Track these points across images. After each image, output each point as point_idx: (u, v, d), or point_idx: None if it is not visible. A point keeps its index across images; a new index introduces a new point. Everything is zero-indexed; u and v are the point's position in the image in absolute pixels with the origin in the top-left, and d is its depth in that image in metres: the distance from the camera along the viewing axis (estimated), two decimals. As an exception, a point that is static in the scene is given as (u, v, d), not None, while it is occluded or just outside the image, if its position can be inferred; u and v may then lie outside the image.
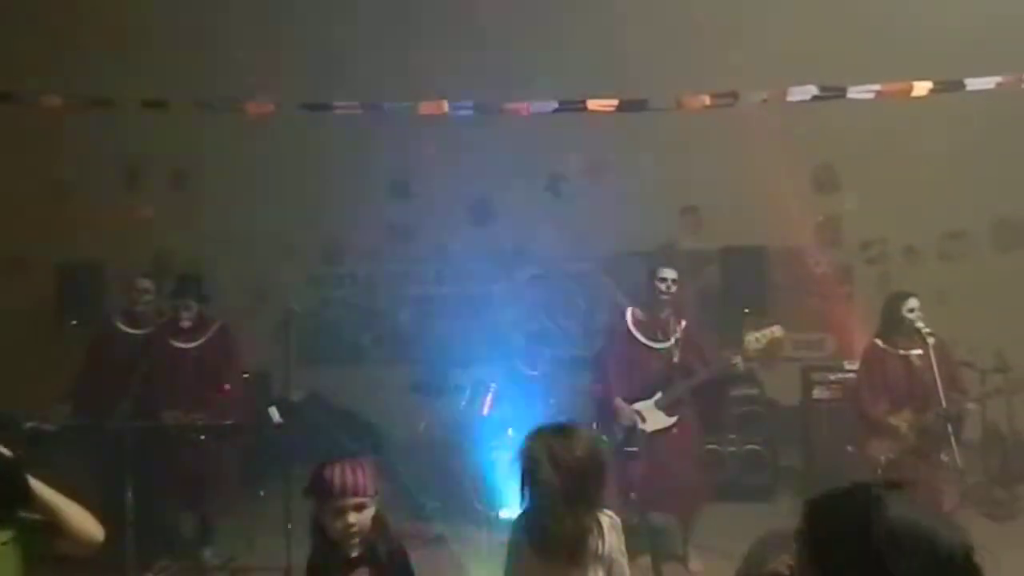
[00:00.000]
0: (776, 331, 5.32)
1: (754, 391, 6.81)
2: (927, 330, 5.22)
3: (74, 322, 6.89)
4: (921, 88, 5.38)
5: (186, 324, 5.46)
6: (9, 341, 7.29)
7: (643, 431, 5.25)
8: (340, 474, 2.59)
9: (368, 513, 2.62)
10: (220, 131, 6.89)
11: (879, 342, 5.50)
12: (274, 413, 5.77)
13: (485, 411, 6.36)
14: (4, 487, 2.45)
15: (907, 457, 5.25)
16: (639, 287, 5.66)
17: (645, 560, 5.32)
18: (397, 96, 5.84)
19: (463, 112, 5.68)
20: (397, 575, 2.75)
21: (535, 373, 6.56)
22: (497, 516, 5.75)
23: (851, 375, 6.18)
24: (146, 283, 5.68)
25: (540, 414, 5.77)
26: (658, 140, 6.90)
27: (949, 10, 6.86)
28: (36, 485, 2.52)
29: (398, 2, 7.55)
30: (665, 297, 5.39)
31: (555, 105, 5.64)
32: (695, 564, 5.33)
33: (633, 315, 5.53)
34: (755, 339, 5.23)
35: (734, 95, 5.53)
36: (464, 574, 5.35)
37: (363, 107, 5.81)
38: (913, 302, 5.34)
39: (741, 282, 7.15)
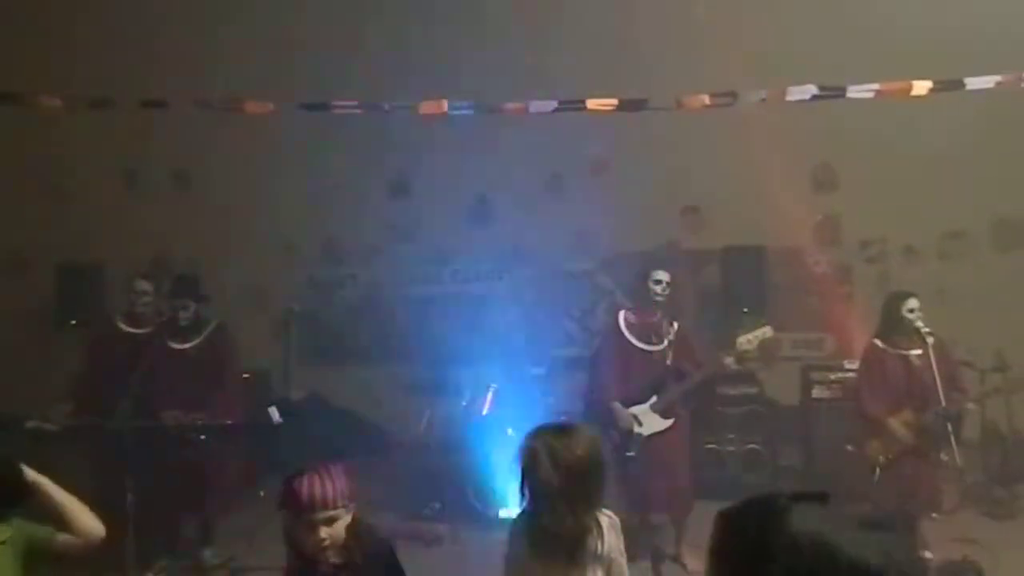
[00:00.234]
0: (767, 332, 5.34)
1: (753, 390, 6.82)
2: (926, 330, 5.22)
3: (74, 322, 6.89)
4: (921, 87, 5.37)
5: (184, 324, 5.46)
6: (10, 341, 7.30)
7: (640, 435, 5.25)
8: (309, 487, 2.47)
9: (341, 524, 2.51)
10: (220, 131, 6.89)
11: (878, 342, 5.50)
12: (274, 413, 5.77)
13: (485, 411, 6.37)
14: (2, 485, 2.45)
15: (907, 457, 5.25)
16: (634, 289, 5.66)
17: (645, 560, 5.33)
18: (397, 96, 5.84)
19: (463, 112, 5.68)
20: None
21: (535, 373, 6.56)
22: (497, 516, 5.76)
23: (851, 375, 6.19)
24: (144, 284, 5.68)
25: (540, 414, 5.77)
26: (658, 140, 6.90)
27: (949, 9, 6.86)
28: (39, 479, 2.52)
29: (398, 2, 7.55)
30: (659, 299, 5.39)
31: (555, 105, 5.64)
32: (692, 563, 5.33)
33: (626, 318, 5.54)
34: (746, 340, 5.26)
35: (733, 95, 5.53)
36: (464, 574, 5.35)
37: (363, 107, 5.81)
38: (913, 302, 5.34)
39: (741, 282, 7.15)
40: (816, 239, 7.61)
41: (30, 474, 2.53)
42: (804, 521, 1.17)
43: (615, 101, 5.59)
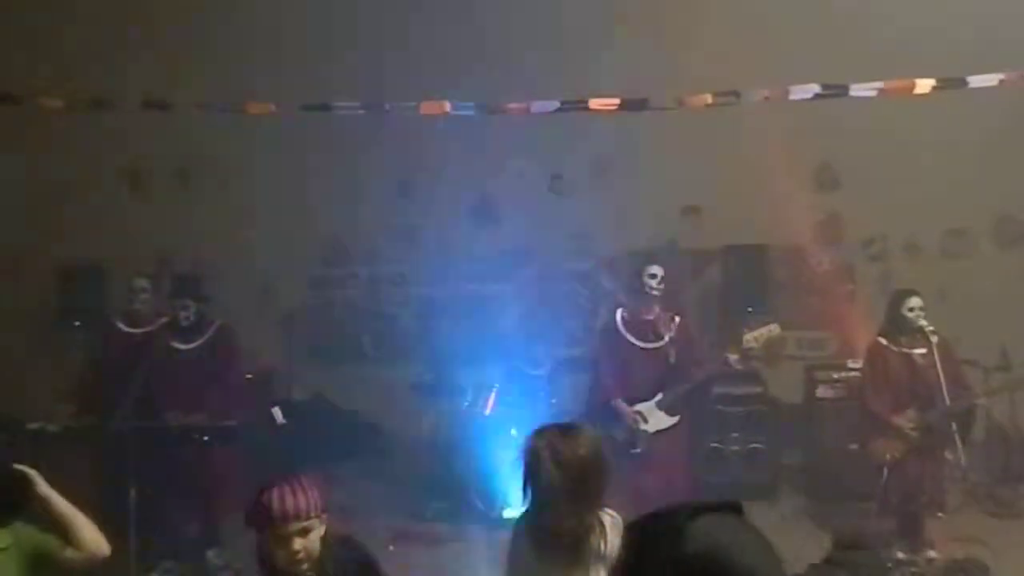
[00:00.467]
0: (773, 329, 5.32)
1: (757, 390, 6.80)
2: (930, 328, 5.21)
3: (76, 323, 6.89)
4: (924, 86, 5.36)
5: (185, 324, 5.45)
6: (11, 342, 7.30)
7: (645, 432, 5.24)
8: (279, 499, 2.37)
9: (315, 535, 2.42)
10: (221, 131, 6.89)
11: (882, 340, 5.49)
12: (277, 413, 5.78)
13: (488, 411, 6.36)
14: (6, 497, 2.45)
15: (911, 456, 5.24)
16: (630, 286, 5.66)
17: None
18: (398, 96, 5.84)
19: (464, 112, 5.67)
20: None
21: (538, 373, 6.55)
22: (500, 516, 5.75)
23: (854, 373, 6.18)
24: (142, 282, 5.68)
25: (543, 414, 5.76)
26: (660, 139, 6.89)
27: (951, 8, 6.84)
28: (49, 493, 2.52)
29: (399, 2, 7.54)
30: (655, 294, 5.36)
31: (557, 104, 5.63)
32: None
33: (623, 316, 5.53)
34: (752, 338, 5.24)
35: (735, 94, 5.52)
36: (467, 574, 5.35)
37: (365, 107, 5.81)
38: (913, 301, 5.33)
39: (743, 281, 7.14)
40: (818, 238, 7.59)
41: (42, 487, 2.52)
42: (704, 533, 1.14)
43: (617, 101, 5.58)
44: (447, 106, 5.57)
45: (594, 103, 5.56)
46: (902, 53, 6.17)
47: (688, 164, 7.17)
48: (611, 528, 2.64)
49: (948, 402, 5.06)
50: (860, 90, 5.42)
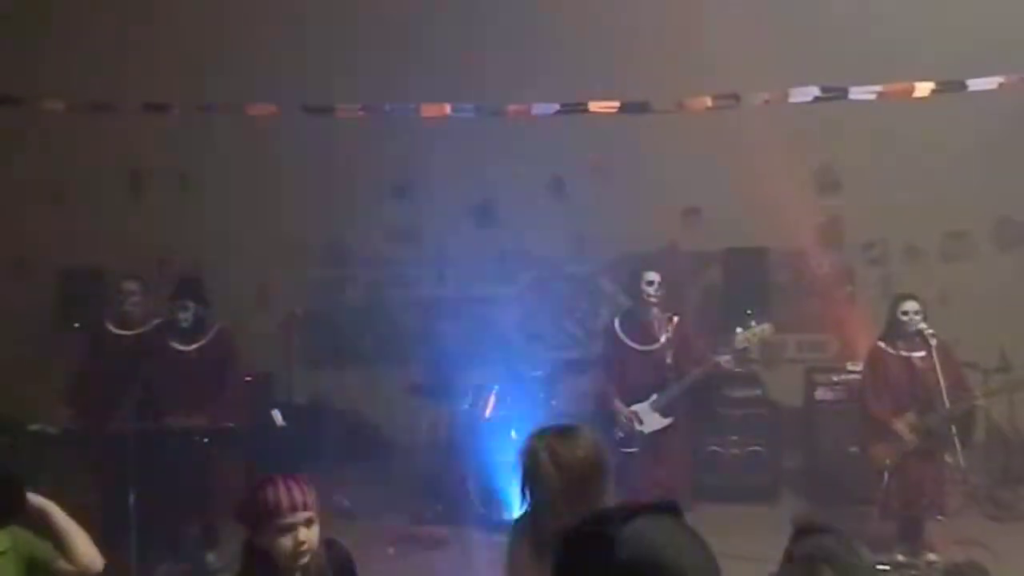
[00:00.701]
0: (766, 329, 5.34)
1: (756, 392, 6.80)
2: (930, 332, 5.21)
3: (77, 325, 6.89)
4: (923, 89, 5.37)
5: (185, 326, 5.45)
6: (13, 344, 7.30)
7: (640, 432, 5.28)
8: (286, 491, 2.41)
9: (316, 528, 2.45)
10: (222, 134, 6.89)
11: (882, 344, 5.50)
12: (277, 416, 5.78)
13: (487, 413, 6.36)
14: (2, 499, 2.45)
15: (911, 459, 5.24)
16: (628, 290, 5.69)
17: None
18: (399, 98, 5.85)
19: (465, 114, 5.68)
20: None
21: (537, 375, 6.56)
22: (499, 518, 5.75)
23: (854, 376, 6.18)
24: (132, 284, 5.67)
25: (542, 416, 5.77)
26: (660, 142, 6.90)
27: (951, 11, 6.85)
28: (45, 504, 2.52)
29: (399, 5, 7.55)
30: (652, 299, 5.42)
31: (557, 107, 5.65)
32: None
33: (621, 320, 5.60)
34: (745, 338, 5.27)
35: (735, 97, 5.53)
36: (467, 576, 5.35)
37: (365, 109, 5.82)
38: (908, 305, 5.34)
39: (743, 283, 7.14)
40: (818, 241, 7.60)
41: (37, 499, 2.53)
42: (638, 538, 1.13)
43: (617, 104, 5.59)
44: (447, 108, 5.58)
45: (594, 106, 5.57)
46: (901, 56, 6.18)
47: (688, 167, 7.18)
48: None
49: (948, 405, 5.06)
50: (860, 93, 5.43)
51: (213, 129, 6.73)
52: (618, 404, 5.35)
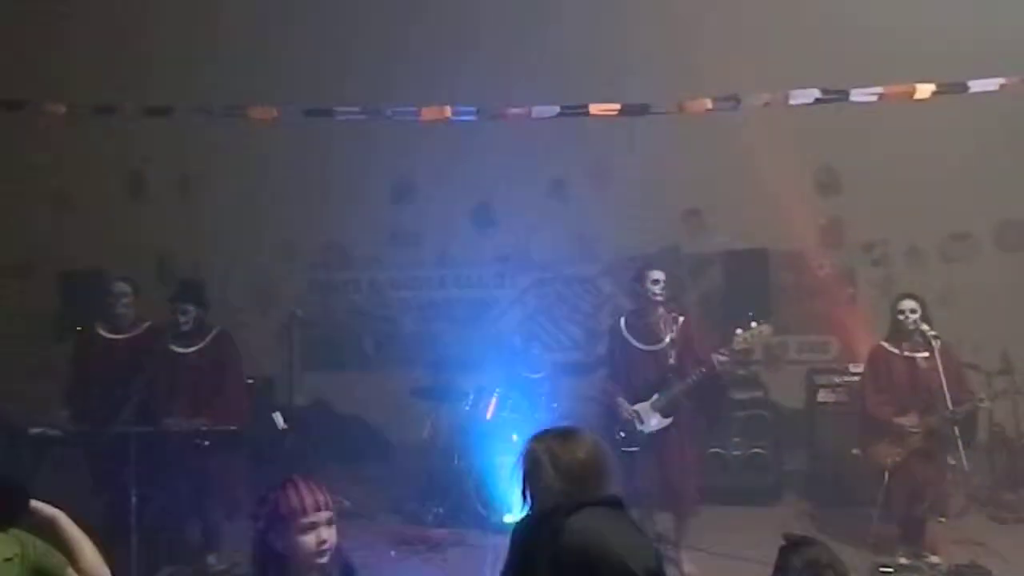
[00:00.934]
0: (764, 330, 5.34)
1: (758, 394, 6.79)
2: (932, 333, 5.21)
3: (79, 328, 6.89)
4: (924, 90, 5.36)
5: (185, 329, 5.45)
6: (14, 347, 7.31)
7: (641, 432, 5.28)
8: (308, 492, 2.48)
9: (334, 528, 2.51)
10: (224, 137, 6.90)
11: (885, 344, 5.50)
12: (278, 418, 5.78)
13: (488, 415, 6.36)
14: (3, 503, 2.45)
15: (913, 460, 5.24)
16: (632, 290, 5.68)
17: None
18: (399, 101, 5.85)
19: (465, 117, 5.68)
20: None
21: (538, 377, 6.55)
22: (500, 520, 5.75)
23: (856, 378, 6.17)
24: (123, 287, 5.64)
25: (544, 418, 5.77)
26: (660, 143, 6.90)
27: (952, 12, 6.85)
28: (55, 513, 2.52)
29: (400, 7, 7.56)
30: (658, 299, 5.41)
31: (557, 110, 5.64)
32: (689, 567, 5.31)
33: (627, 320, 5.59)
34: (743, 338, 5.26)
35: (736, 98, 5.53)
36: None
37: (365, 112, 5.82)
38: (906, 303, 5.34)
39: (744, 285, 7.14)
40: (820, 242, 7.60)
41: (47, 509, 2.53)
42: (581, 526, 1.29)
43: (617, 106, 5.58)
44: (448, 111, 5.58)
45: (594, 108, 5.56)
46: (902, 58, 6.17)
47: (688, 168, 7.18)
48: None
49: (950, 406, 5.05)
50: (860, 95, 5.42)
51: (214, 132, 6.74)
52: (621, 402, 5.36)
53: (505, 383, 6.45)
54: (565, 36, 7.36)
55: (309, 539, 2.45)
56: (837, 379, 6.67)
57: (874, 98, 5.45)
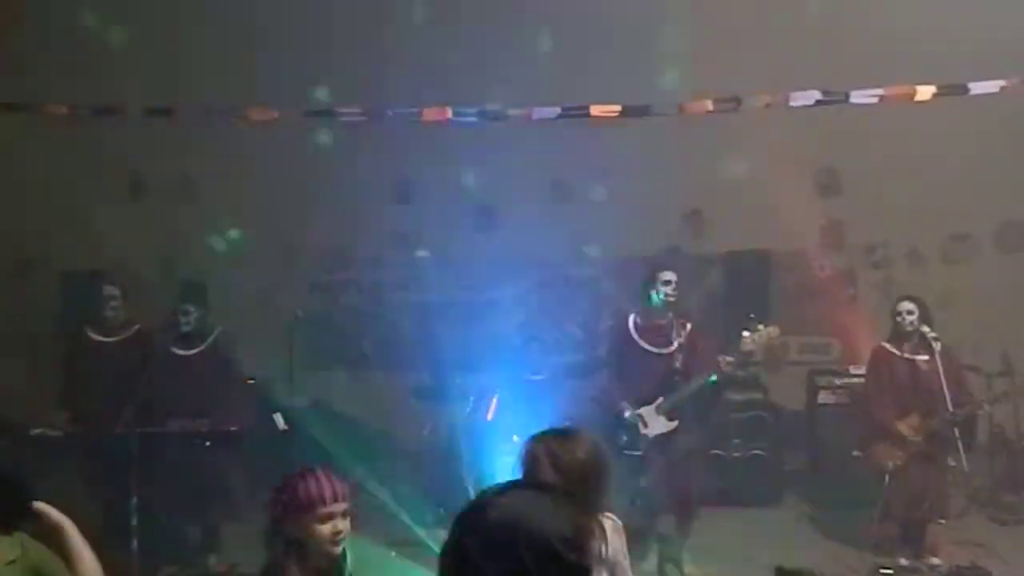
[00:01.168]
0: (773, 331, 5.33)
1: (759, 396, 6.80)
2: (933, 335, 5.21)
3: (71, 333, 6.89)
4: (925, 92, 5.36)
5: (186, 330, 5.46)
6: (14, 347, 7.31)
7: (645, 435, 5.26)
8: (327, 482, 2.54)
9: (348, 519, 2.57)
10: (224, 138, 6.91)
11: (887, 345, 5.50)
12: (279, 419, 5.77)
13: (489, 417, 6.36)
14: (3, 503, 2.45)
15: (914, 462, 5.23)
16: (641, 291, 5.64)
17: (650, 563, 5.32)
18: (400, 102, 5.85)
19: (466, 118, 5.68)
20: None
21: (539, 379, 6.55)
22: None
23: (857, 380, 6.17)
24: (112, 289, 5.64)
25: (544, 420, 5.75)
26: (661, 145, 6.90)
27: (953, 14, 6.85)
28: (63, 521, 2.51)
29: (401, 9, 7.57)
30: (670, 300, 5.37)
31: (558, 111, 5.65)
32: (691, 568, 5.31)
33: (635, 321, 5.53)
34: (751, 339, 5.25)
35: (736, 100, 5.53)
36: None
37: (366, 113, 5.82)
38: (903, 305, 5.35)
39: (745, 286, 7.14)
40: (820, 243, 7.60)
41: (53, 514, 2.52)
42: (504, 504, 1.40)
43: (618, 107, 5.58)
44: (449, 112, 5.58)
45: (595, 110, 5.56)
46: (903, 60, 6.17)
47: (689, 170, 7.18)
48: (612, 532, 2.64)
49: (951, 408, 5.05)
50: (861, 96, 5.42)
51: (215, 133, 6.74)
52: (624, 406, 5.31)
53: (506, 385, 6.45)
54: (566, 37, 7.36)
55: (325, 528, 2.50)
56: (838, 381, 6.67)
57: (875, 100, 5.45)
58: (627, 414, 5.29)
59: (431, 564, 5.63)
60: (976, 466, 5.52)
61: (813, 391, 6.77)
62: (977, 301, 6.80)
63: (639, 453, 5.18)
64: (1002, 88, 5.32)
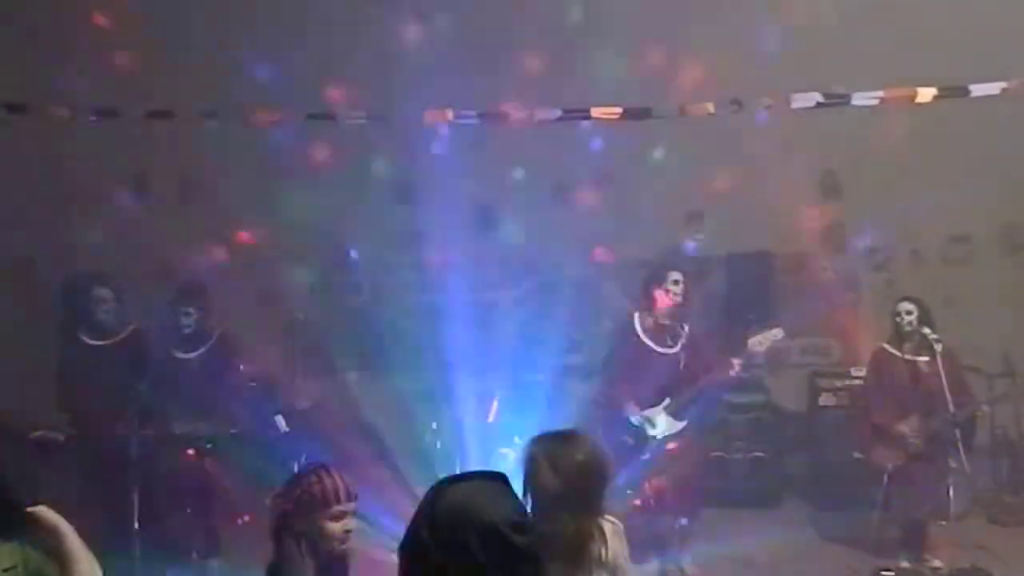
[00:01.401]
0: (777, 333, 5.33)
1: (760, 398, 6.80)
2: (934, 336, 5.21)
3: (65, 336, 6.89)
4: (926, 94, 5.37)
5: (187, 332, 5.46)
6: (15, 350, 7.31)
7: (654, 437, 5.25)
8: (341, 480, 2.58)
9: (355, 519, 2.63)
10: (226, 140, 6.91)
11: (887, 346, 5.50)
12: (280, 422, 5.78)
13: (491, 419, 6.36)
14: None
15: (915, 463, 5.23)
16: (647, 292, 5.62)
17: (651, 566, 5.32)
18: (401, 104, 5.86)
19: (467, 120, 5.70)
20: None
21: (541, 380, 6.55)
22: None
23: (858, 381, 6.17)
24: (104, 292, 5.63)
25: (546, 421, 5.75)
26: (663, 147, 6.91)
27: (953, 16, 6.85)
28: (61, 524, 2.51)
29: (402, 11, 7.57)
30: (678, 299, 5.37)
31: (559, 113, 5.66)
32: (693, 569, 5.31)
33: (642, 321, 5.52)
34: (757, 341, 5.26)
35: (738, 103, 5.53)
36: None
37: (368, 115, 5.83)
38: (902, 306, 5.36)
39: (746, 288, 7.14)
40: (821, 245, 7.59)
41: (51, 516, 2.52)
42: (452, 493, 1.46)
43: (619, 109, 5.59)
44: (450, 114, 5.59)
45: (596, 112, 5.57)
46: (904, 62, 6.18)
47: (691, 172, 7.18)
48: (612, 534, 2.64)
49: (952, 409, 5.05)
50: (862, 99, 5.43)
51: (216, 135, 6.74)
52: (632, 408, 5.29)
53: (507, 386, 6.45)
54: (567, 39, 7.36)
55: (337, 526, 2.54)
56: (839, 382, 6.67)
57: (875, 102, 5.46)
58: (635, 418, 5.27)
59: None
60: (978, 467, 5.51)
61: (814, 393, 6.77)
62: (978, 302, 6.79)
63: (646, 456, 5.17)
64: (1003, 90, 5.33)
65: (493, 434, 6.15)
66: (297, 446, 5.80)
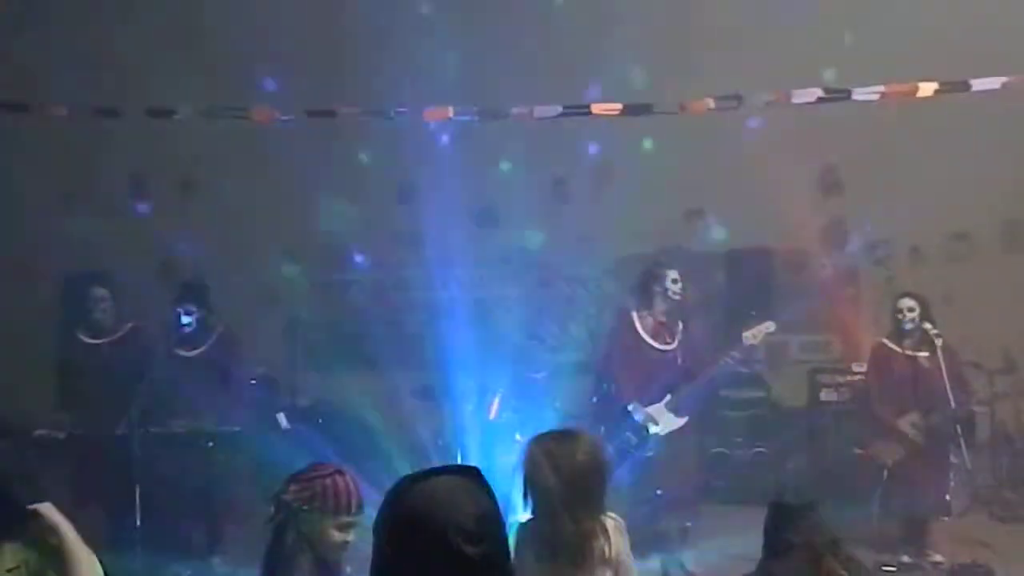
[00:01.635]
0: (769, 326, 5.35)
1: (760, 394, 6.80)
2: (934, 332, 5.21)
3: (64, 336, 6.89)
4: (927, 89, 5.37)
5: (188, 330, 5.46)
6: (16, 349, 7.31)
7: (656, 434, 5.26)
8: (355, 489, 2.50)
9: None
10: (226, 138, 6.91)
11: (886, 342, 5.50)
12: (282, 419, 5.79)
13: (491, 416, 6.36)
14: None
15: (915, 459, 5.24)
16: (646, 289, 5.62)
17: (653, 562, 5.33)
18: (402, 102, 5.86)
19: (467, 117, 5.69)
20: None
21: (541, 378, 6.55)
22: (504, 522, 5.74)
23: (858, 377, 6.17)
24: (101, 291, 5.63)
25: (547, 419, 5.76)
26: (663, 143, 6.90)
27: (954, 11, 6.84)
28: (62, 524, 2.51)
29: (402, 8, 7.56)
30: (677, 297, 5.39)
31: (559, 109, 5.65)
32: (694, 567, 5.32)
33: (641, 318, 5.52)
34: (751, 335, 5.28)
35: (738, 98, 5.53)
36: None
37: (368, 113, 5.83)
38: (903, 302, 5.36)
39: (746, 284, 7.13)
40: (822, 241, 7.59)
41: (52, 515, 2.52)
42: (418, 491, 1.38)
43: (619, 105, 5.59)
44: (450, 111, 5.59)
45: (596, 108, 5.57)
46: (904, 57, 6.17)
47: (691, 168, 7.17)
48: (614, 532, 2.65)
49: (953, 405, 5.05)
50: (863, 94, 5.42)
51: (216, 133, 6.74)
52: (635, 407, 5.30)
53: (508, 383, 6.44)
54: (567, 36, 7.35)
55: (339, 536, 2.48)
56: (839, 378, 6.67)
57: (876, 97, 5.46)
58: (637, 416, 5.28)
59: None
60: (978, 463, 5.52)
61: (815, 389, 6.77)
62: (979, 298, 6.78)
63: (649, 453, 5.18)
64: (1004, 85, 5.33)
65: (494, 431, 6.15)
66: (298, 443, 5.81)
